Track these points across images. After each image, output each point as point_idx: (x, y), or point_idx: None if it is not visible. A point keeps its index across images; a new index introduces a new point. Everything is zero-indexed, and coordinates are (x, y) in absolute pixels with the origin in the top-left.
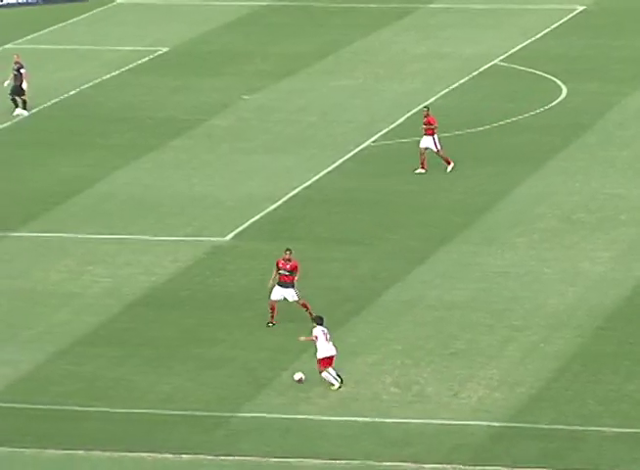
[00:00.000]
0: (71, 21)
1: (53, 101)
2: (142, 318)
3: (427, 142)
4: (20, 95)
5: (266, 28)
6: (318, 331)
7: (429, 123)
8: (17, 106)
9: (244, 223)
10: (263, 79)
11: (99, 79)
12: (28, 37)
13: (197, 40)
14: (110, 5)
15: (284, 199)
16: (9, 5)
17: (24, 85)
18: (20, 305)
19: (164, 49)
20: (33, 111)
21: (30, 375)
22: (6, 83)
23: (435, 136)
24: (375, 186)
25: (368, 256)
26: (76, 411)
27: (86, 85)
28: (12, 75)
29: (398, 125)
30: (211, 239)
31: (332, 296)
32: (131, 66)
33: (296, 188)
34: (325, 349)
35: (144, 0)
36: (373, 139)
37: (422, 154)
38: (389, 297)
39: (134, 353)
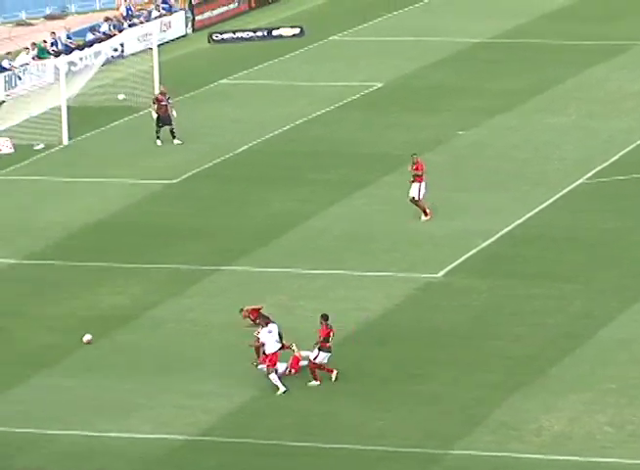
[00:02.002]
0: (287, 56)
1: (268, 136)
2: (354, 354)
3: (413, 190)
4: (169, 124)
5: (479, 65)
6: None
7: (416, 170)
8: (158, 137)
9: (456, 260)
10: (477, 116)
11: (313, 115)
12: (244, 72)
13: (410, 76)
14: (324, 41)
15: (497, 236)
16: (224, 41)
17: (174, 114)
18: (232, 339)
19: (378, 85)
20: (246, 146)
21: (243, 408)
22: (154, 114)
23: (422, 184)
24: (589, 223)
25: (582, 293)
26: (288, 446)
27: (300, 120)
28: (158, 106)
29: (613, 163)
30: (424, 275)
31: (545, 333)
32: (345, 101)
33: (509, 225)
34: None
35: (357, 37)
36: (587, 176)
37: (412, 202)
38: (604, 334)
39: (346, 389)
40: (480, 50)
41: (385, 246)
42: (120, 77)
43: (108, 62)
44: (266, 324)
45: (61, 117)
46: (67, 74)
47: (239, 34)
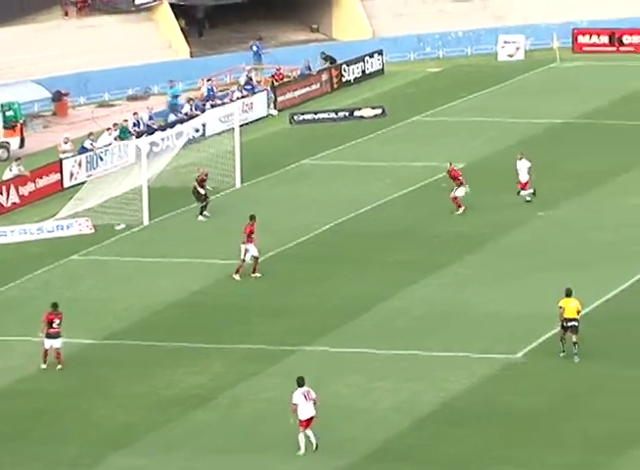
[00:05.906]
0: (368, 137)
1: (348, 216)
2: (429, 434)
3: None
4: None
5: (559, 147)
6: (298, 394)
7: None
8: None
9: (536, 340)
10: (555, 196)
11: (394, 195)
12: (325, 153)
13: (491, 157)
14: (405, 122)
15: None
16: (305, 121)
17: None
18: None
19: (460, 166)
20: (326, 227)
21: None
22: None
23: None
24: None
25: None
26: None
27: (382, 201)
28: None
29: None
30: (503, 356)
31: (628, 414)
32: (426, 182)
33: (588, 306)
34: (304, 410)
35: (438, 117)
36: None
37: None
38: None
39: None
40: (562, 130)
41: (464, 326)
42: (202, 158)
43: (189, 142)
44: None
45: (142, 197)
46: (148, 155)
47: (320, 115)
